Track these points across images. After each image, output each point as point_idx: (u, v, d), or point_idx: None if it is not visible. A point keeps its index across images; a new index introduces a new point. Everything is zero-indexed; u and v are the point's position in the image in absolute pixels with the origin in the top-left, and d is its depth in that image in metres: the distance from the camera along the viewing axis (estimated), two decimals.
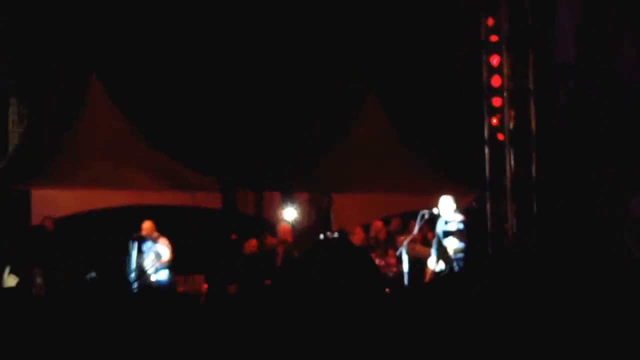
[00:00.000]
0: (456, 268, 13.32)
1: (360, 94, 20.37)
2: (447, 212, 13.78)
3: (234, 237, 17.34)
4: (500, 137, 13.39)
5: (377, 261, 15.58)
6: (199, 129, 19.05)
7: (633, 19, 11.19)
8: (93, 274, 14.57)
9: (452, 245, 13.64)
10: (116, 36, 18.65)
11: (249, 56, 19.20)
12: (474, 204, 14.97)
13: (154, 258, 15.43)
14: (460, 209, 14.10)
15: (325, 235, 16.41)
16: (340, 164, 19.72)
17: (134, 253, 15.57)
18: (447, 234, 13.82)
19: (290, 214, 18.14)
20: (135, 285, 15.00)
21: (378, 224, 17.02)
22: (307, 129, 19.66)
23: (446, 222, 13.88)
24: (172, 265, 15.40)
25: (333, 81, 19.57)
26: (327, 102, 19.66)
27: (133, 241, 15.60)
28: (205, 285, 16.42)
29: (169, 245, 15.48)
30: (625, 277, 2.34)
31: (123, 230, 15.99)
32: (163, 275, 15.36)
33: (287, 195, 19.33)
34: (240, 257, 16.37)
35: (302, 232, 16.66)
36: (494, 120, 13.44)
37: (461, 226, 13.78)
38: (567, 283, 2.29)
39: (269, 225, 18.31)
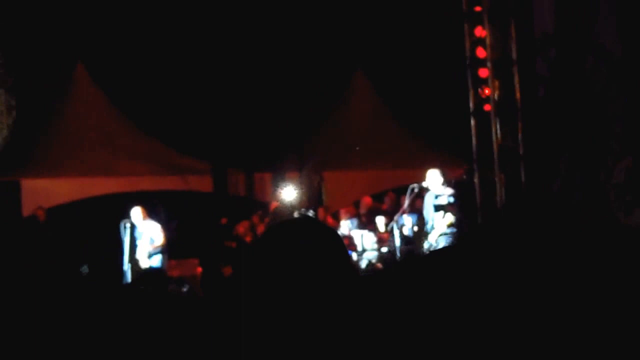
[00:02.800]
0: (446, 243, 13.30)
1: (347, 71, 20.34)
2: (436, 185, 13.75)
3: (224, 221, 17.36)
4: (487, 107, 13.36)
5: (370, 236, 15.60)
6: (188, 112, 19.02)
7: None
8: (86, 268, 14.55)
9: (445, 220, 13.60)
10: (101, 23, 18.58)
11: (236, 38, 19.14)
12: (464, 176, 14.95)
13: (147, 243, 15.43)
14: (451, 181, 14.08)
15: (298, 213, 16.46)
16: (330, 142, 19.72)
17: (127, 240, 15.55)
18: (438, 207, 13.79)
19: (289, 194, 18.10)
20: (129, 272, 15.02)
21: (367, 199, 17.00)
22: (296, 108, 19.62)
23: (436, 196, 13.85)
24: (164, 250, 15.39)
25: (320, 58, 19.51)
26: (315, 79, 19.61)
27: (125, 228, 15.59)
28: (200, 269, 16.42)
29: (161, 230, 15.48)
30: (610, 244, 2.32)
31: (115, 217, 15.96)
32: (156, 261, 15.35)
33: (278, 176, 19.32)
34: (233, 239, 16.39)
35: (281, 211, 16.64)
36: (482, 91, 13.41)
37: (452, 199, 13.76)
38: (556, 255, 2.26)
39: (261, 205, 18.32)
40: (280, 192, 17.96)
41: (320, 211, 17.15)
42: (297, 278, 2.45)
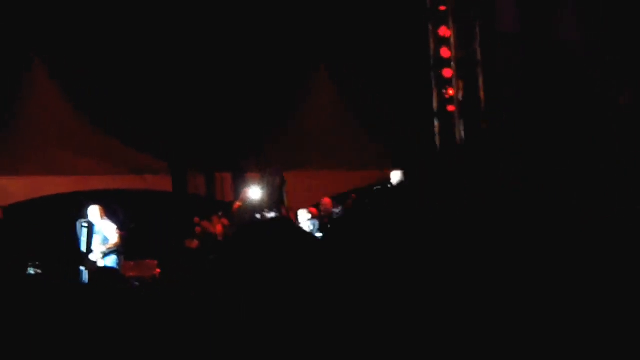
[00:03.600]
0: None
1: (308, 68, 20.17)
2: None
3: (197, 219, 17.18)
4: (450, 108, 13.29)
5: None
6: (148, 110, 18.76)
7: None
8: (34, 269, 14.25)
9: None
10: (59, 16, 18.26)
11: (196, 33, 18.91)
12: None
13: (101, 243, 15.18)
14: None
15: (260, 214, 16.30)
16: (292, 142, 19.56)
17: (84, 239, 15.31)
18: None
19: (254, 193, 17.90)
20: (84, 272, 14.76)
21: (327, 200, 16.87)
22: (257, 106, 19.43)
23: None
24: (120, 250, 15.16)
25: (280, 55, 19.34)
26: (274, 78, 19.42)
27: (82, 227, 15.34)
28: (158, 270, 16.20)
29: (116, 230, 15.24)
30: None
31: (71, 216, 15.70)
32: (111, 261, 15.11)
33: (239, 176, 19.14)
34: (193, 238, 16.21)
35: (244, 211, 16.47)
36: (447, 91, 13.33)
37: None
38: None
39: (222, 205, 18.12)
40: (245, 192, 17.76)
41: (283, 211, 16.98)
42: (272, 276, 2.38)
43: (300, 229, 2.78)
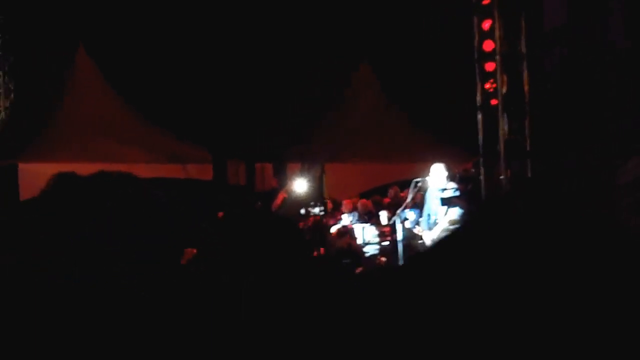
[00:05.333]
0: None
1: (352, 61, 20.13)
2: (440, 180, 13.55)
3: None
4: (494, 102, 13.16)
5: (371, 229, 15.43)
6: (190, 100, 18.83)
7: None
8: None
9: (449, 215, 13.39)
10: (104, 6, 18.37)
11: (241, 26, 18.95)
12: (472, 169, 14.75)
13: None
14: (455, 176, 13.89)
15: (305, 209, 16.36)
16: (333, 134, 19.54)
17: None
18: (444, 201, 13.59)
19: (300, 185, 17.90)
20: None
21: (364, 202, 16.89)
22: (299, 98, 19.43)
23: (442, 190, 13.66)
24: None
25: (325, 49, 19.31)
26: (319, 70, 19.40)
27: None
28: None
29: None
30: (613, 246, 2.11)
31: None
32: None
33: (279, 166, 19.17)
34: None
35: (283, 204, 16.53)
36: (490, 85, 13.20)
37: (458, 193, 13.57)
38: (556, 253, 2.06)
39: (262, 195, 18.16)
40: (290, 185, 17.79)
41: (328, 205, 17.05)
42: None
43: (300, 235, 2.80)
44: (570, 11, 11.74)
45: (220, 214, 16.91)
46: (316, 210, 16.60)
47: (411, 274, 2.20)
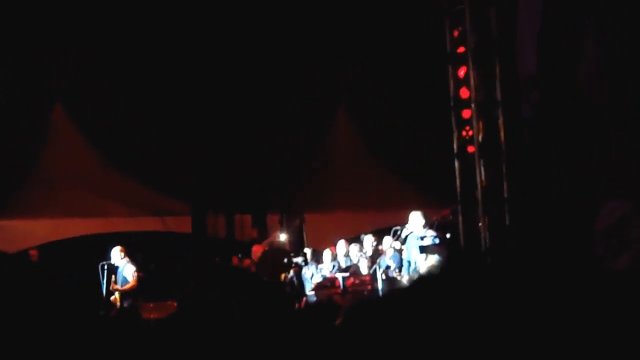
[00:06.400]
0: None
1: (330, 111, 20.23)
2: (418, 227, 13.62)
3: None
4: (470, 149, 13.21)
5: (351, 280, 15.41)
6: (168, 153, 18.84)
7: (592, 27, 11.06)
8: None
9: (428, 262, 13.43)
10: (80, 64, 18.40)
11: (218, 79, 19.01)
12: (450, 216, 14.80)
13: (120, 284, 15.31)
14: (434, 223, 13.96)
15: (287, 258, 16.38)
16: (312, 184, 19.58)
17: (104, 281, 15.42)
18: (422, 249, 13.65)
19: (282, 235, 17.98)
20: (104, 313, 14.81)
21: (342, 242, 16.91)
22: (278, 149, 19.47)
23: (421, 238, 13.72)
24: (136, 292, 15.27)
25: (302, 100, 19.40)
26: (296, 121, 19.48)
27: (103, 269, 15.45)
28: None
29: (134, 272, 15.37)
30: (592, 291, 2.17)
31: (93, 258, 15.80)
32: (128, 302, 15.24)
33: (259, 217, 19.18)
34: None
35: (267, 253, 16.52)
36: (466, 132, 13.25)
37: (437, 240, 13.63)
38: (536, 297, 2.12)
39: (241, 246, 18.14)
40: (274, 236, 17.84)
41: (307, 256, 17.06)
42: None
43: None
44: (541, 56, 11.84)
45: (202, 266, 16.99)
46: (298, 260, 16.62)
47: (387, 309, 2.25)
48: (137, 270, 15.58)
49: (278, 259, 16.18)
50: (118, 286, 15.43)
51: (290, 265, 16.36)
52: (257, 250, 16.73)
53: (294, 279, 16.16)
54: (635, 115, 10.32)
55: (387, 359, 2.10)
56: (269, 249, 17.03)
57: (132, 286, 15.34)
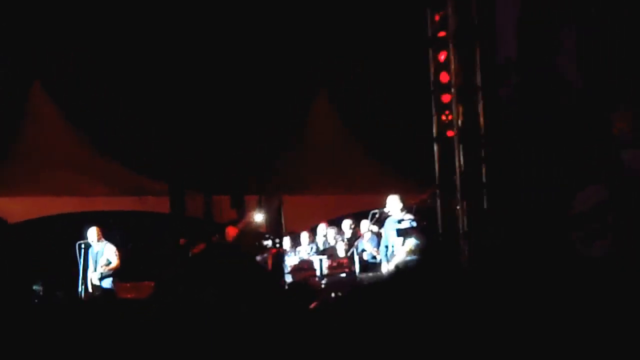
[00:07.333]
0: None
1: (309, 92, 20.20)
2: (395, 210, 13.64)
3: (182, 241, 17.14)
4: (450, 133, 13.23)
5: (329, 262, 15.44)
6: (147, 132, 18.77)
7: (571, 14, 11.11)
8: (38, 286, 14.30)
9: (406, 246, 13.46)
10: (59, 40, 18.28)
11: (196, 57, 18.94)
12: (429, 200, 14.83)
13: (104, 264, 15.22)
14: (412, 207, 13.99)
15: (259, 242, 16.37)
16: (291, 165, 19.57)
17: (81, 260, 15.37)
18: (400, 232, 13.68)
19: (258, 217, 17.95)
20: (83, 293, 14.81)
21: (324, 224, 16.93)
22: (258, 130, 19.44)
23: (398, 221, 13.75)
24: (116, 272, 15.22)
25: (283, 81, 19.36)
26: (276, 102, 19.45)
27: (80, 248, 15.40)
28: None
29: (117, 252, 15.30)
30: (567, 278, 2.18)
31: (70, 237, 15.75)
32: (107, 283, 15.16)
33: (237, 198, 19.15)
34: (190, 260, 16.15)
35: (243, 235, 16.50)
36: (446, 117, 13.27)
37: (414, 224, 13.66)
38: (512, 285, 2.12)
39: (219, 227, 18.11)
40: (248, 217, 17.79)
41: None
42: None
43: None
44: (520, 41, 11.88)
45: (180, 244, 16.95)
46: (270, 242, 16.64)
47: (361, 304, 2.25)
48: (116, 250, 15.54)
49: (252, 241, 16.17)
50: (101, 267, 15.35)
51: (263, 247, 16.37)
52: (231, 231, 16.70)
53: (266, 262, 16.16)
54: (611, 100, 10.37)
55: (359, 348, 2.10)
56: (244, 231, 17.02)
57: (117, 266, 15.29)
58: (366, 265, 14.77)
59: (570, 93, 10.83)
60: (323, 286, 15.32)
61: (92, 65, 18.37)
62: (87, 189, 18.49)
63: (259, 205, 18.37)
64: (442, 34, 13.27)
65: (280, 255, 16.30)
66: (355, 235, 15.75)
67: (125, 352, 2.62)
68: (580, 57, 11.00)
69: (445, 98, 13.23)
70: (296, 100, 19.90)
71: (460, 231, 12.50)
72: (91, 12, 17.86)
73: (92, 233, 15.44)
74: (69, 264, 15.33)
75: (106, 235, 15.74)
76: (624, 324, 2.00)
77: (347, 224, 16.85)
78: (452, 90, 13.06)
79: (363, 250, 15.00)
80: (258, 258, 15.95)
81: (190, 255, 16.24)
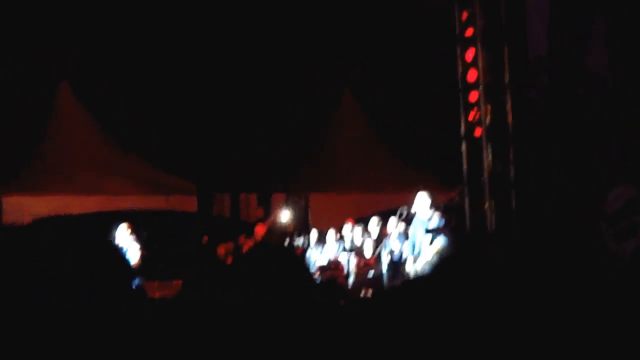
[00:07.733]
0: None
1: (336, 93, 20.20)
2: (424, 209, 13.54)
3: (205, 239, 17.17)
4: (478, 132, 13.16)
5: (356, 260, 15.40)
6: (175, 132, 18.83)
7: (602, 12, 11.02)
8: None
9: (433, 246, 13.34)
10: (87, 41, 18.38)
11: (224, 59, 18.99)
12: (457, 198, 14.75)
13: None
14: (440, 206, 13.89)
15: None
16: (318, 164, 19.56)
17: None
18: (428, 231, 13.57)
19: (285, 215, 17.90)
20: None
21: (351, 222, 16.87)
22: (284, 129, 19.46)
23: (427, 220, 13.64)
24: (140, 270, 15.22)
25: (309, 81, 19.37)
26: (303, 102, 19.46)
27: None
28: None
29: (139, 250, 15.31)
30: (596, 276, 2.13)
31: (97, 236, 15.73)
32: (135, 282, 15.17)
33: (264, 197, 19.15)
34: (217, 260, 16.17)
35: (271, 233, 16.49)
36: (472, 115, 13.20)
37: (442, 222, 13.56)
38: (543, 284, 2.07)
39: (247, 226, 18.10)
40: (275, 215, 17.75)
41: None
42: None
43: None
44: (551, 40, 11.79)
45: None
46: (300, 241, 16.61)
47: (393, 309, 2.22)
48: (141, 249, 15.54)
49: (278, 240, 16.15)
50: None
51: (292, 246, 16.36)
52: (259, 230, 16.69)
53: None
54: None
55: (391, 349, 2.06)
56: (272, 229, 17.00)
57: (137, 265, 15.33)
58: (393, 264, 14.69)
59: (601, 92, 10.74)
60: (350, 286, 15.30)
61: (120, 66, 18.45)
62: (113, 188, 18.52)
63: (286, 204, 18.33)
64: (469, 31, 13.20)
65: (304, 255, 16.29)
66: (382, 234, 15.68)
67: (153, 350, 2.59)
68: (611, 56, 10.91)
69: (473, 96, 13.16)
70: (323, 100, 19.91)
71: (489, 230, 12.43)
72: (120, 14, 17.94)
73: (123, 230, 15.47)
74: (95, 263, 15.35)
75: (134, 233, 15.76)
76: None
77: (373, 223, 16.77)
78: (480, 88, 13.00)
79: (390, 250, 14.93)
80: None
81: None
